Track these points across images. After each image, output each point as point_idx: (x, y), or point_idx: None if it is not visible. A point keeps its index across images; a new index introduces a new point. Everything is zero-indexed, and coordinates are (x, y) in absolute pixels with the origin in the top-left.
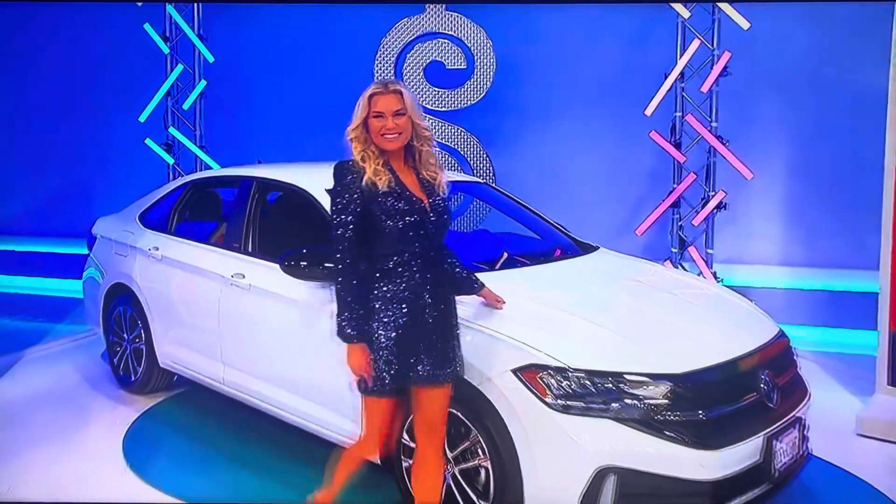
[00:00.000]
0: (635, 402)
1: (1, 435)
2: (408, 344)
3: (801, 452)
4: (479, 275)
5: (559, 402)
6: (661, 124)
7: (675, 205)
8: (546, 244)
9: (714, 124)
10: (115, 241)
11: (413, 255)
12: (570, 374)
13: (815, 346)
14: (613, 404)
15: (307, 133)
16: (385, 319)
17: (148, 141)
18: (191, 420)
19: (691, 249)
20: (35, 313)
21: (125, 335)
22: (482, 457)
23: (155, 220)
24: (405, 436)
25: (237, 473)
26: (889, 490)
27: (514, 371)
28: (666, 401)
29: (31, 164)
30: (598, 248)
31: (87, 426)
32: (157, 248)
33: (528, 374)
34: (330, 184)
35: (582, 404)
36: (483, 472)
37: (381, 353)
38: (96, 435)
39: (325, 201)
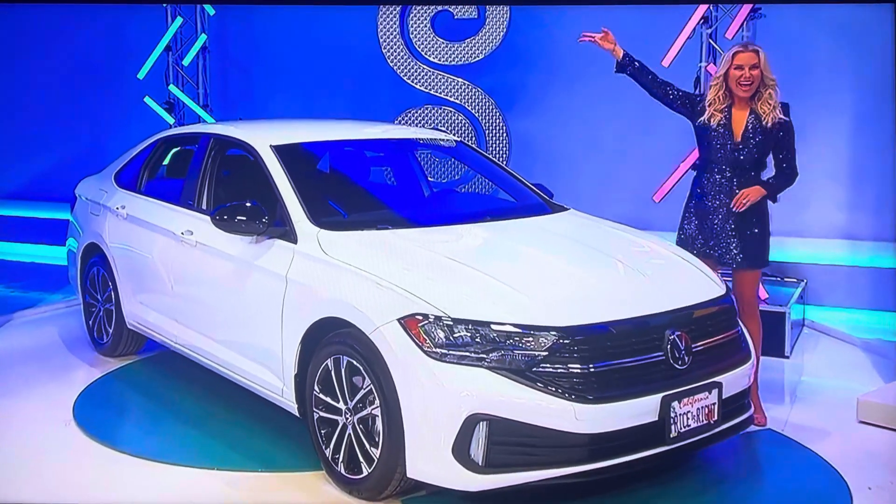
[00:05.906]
0: (512, 351)
1: None
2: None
3: (717, 420)
4: (414, 230)
5: (437, 350)
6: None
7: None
8: (505, 205)
9: None
10: (90, 201)
11: (721, 169)
12: (448, 322)
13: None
14: (490, 353)
15: (316, 89)
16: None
17: (147, 99)
18: (152, 381)
19: None
20: (29, 282)
21: (98, 296)
22: (375, 405)
23: (127, 178)
24: (316, 387)
25: (183, 431)
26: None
27: (399, 320)
28: (545, 352)
29: (28, 127)
30: (568, 209)
31: (49, 382)
32: (124, 207)
33: (411, 322)
34: (277, 141)
35: (458, 353)
36: (378, 420)
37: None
38: (54, 391)
39: (268, 157)
